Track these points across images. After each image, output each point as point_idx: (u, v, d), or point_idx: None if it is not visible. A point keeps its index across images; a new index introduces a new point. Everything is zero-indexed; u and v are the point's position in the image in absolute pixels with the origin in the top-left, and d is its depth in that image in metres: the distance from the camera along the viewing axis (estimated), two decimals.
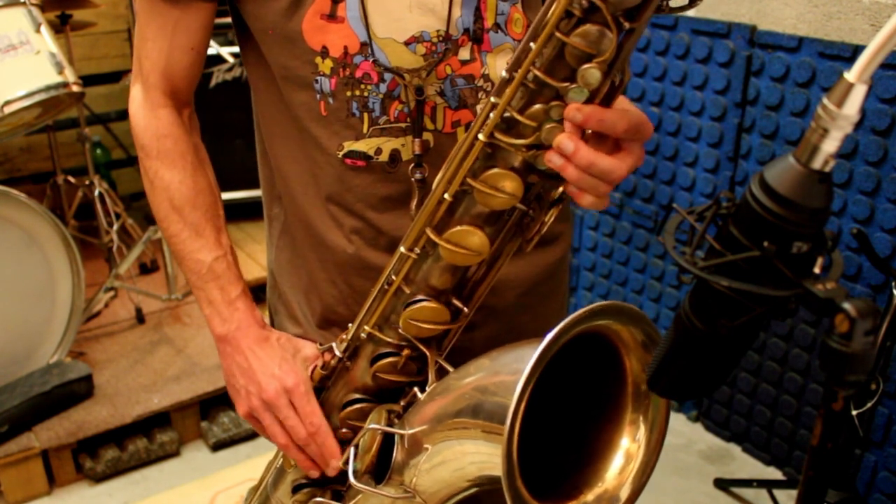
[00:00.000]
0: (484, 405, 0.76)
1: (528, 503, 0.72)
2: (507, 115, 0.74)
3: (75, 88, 2.35)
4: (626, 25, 0.68)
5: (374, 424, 0.87)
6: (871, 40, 0.50)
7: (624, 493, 0.78)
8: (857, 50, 1.89)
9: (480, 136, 0.75)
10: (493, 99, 0.74)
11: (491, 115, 0.75)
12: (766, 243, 0.55)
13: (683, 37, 2.26)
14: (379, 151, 0.92)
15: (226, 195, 1.06)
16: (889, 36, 0.50)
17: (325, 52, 0.89)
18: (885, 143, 1.87)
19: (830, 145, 0.53)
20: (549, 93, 0.72)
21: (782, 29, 2.05)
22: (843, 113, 0.52)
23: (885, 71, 1.82)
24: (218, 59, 2.92)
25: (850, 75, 0.51)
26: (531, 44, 0.71)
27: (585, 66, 0.69)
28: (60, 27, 2.75)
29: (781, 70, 2.05)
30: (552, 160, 0.73)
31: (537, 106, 0.73)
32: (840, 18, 1.93)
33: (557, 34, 0.69)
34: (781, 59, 2.04)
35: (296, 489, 1.04)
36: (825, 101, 0.52)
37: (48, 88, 2.28)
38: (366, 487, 0.88)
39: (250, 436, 2.49)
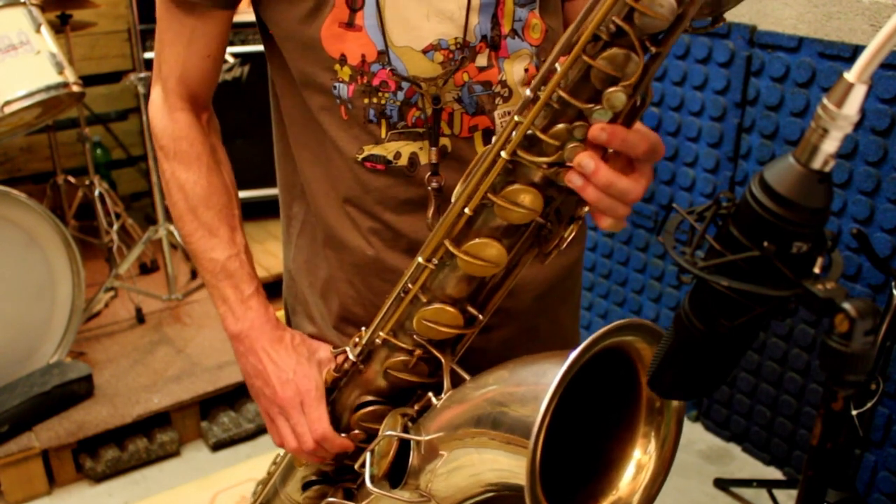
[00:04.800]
0: (505, 418, 0.76)
1: None
2: (529, 132, 0.74)
3: (75, 88, 2.35)
4: (653, 50, 0.68)
5: (391, 431, 0.88)
6: (871, 40, 0.50)
7: (636, 501, 0.79)
8: (857, 50, 1.89)
9: (503, 154, 0.75)
10: (516, 118, 0.75)
11: (514, 133, 0.75)
12: (766, 243, 0.55)
13: (683, 37, 2.26)
14: (398, 156, 0.92)
15: None
16: (889, 36, 0.50)
17: (343, 60, 0.90)
18: (885, 143, 1.87)
19: (830, 145, 0.53)
20: (572, 113, 0.73)
21: (782, 29, 2.05)
22: (843, 113, 0.52)
23: (885, 71, 1.82)
24: None
25: (850, 75, 0.51)
26: (557, 64, 0.71)
27: (611, 89, 0.69)
28: (60, 27, 2.75)
29: (781, 70, 2.05)
30: (573, 180, 0.74)
31: (560, 125, 0.73)
32: (840, 18, 1.93)
33: (584, 57, 0.69)
34: (781, 59, 2.04)
35: (306, 486, 1.05)
36: (825, 101, 0.52)
37: (48, 88, 2.28)
38: (383, 492, 0.89)
39: (250, 436, 2.50)
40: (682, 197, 2.40)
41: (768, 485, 2.16)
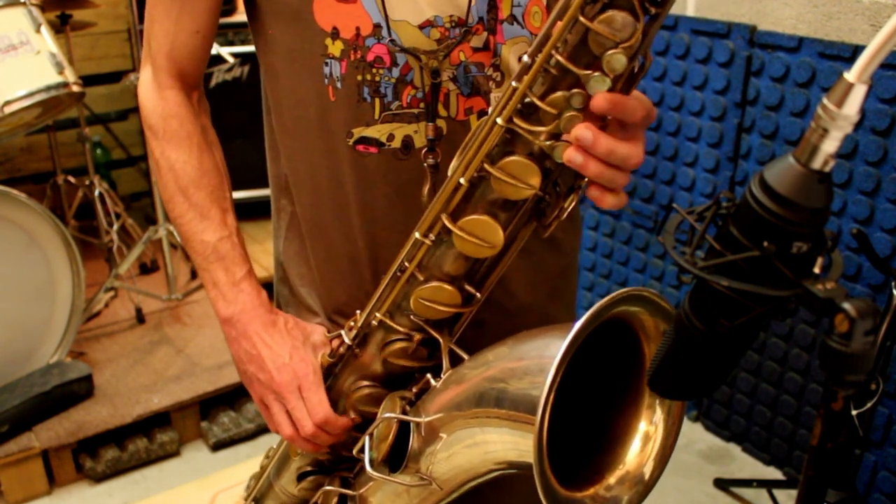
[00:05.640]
0: (507, 394, 0.75)
1: (557, 491, 0.71)
2: (527, 100, 0.73)
3: (75, 88, 2.35)
4: (652, 10, 0.67)
5: (390, 413, 0.86)
6: (871, 40, 0.50)
7: (647, 472, 0.78)
8: (857, 50, 1.89)
9: (499, 121, 0.74)
10: (513, 83, 0.73)
11: (511, 99, 0.73)
12: (765, 243, 0.55)
13: (683, 37, 2.26)
14: (391, 138, 0.91)
15: None
16: (889, 36, 0.50)
17: (335, 34, 0.88)
18: (885, 143, 1.87)
19: (830, 145, 0.53)
20: (570, 80, 0.71)
21: (782, 29, 2.05)
22: (843, 113, 0.52)
23: (885, 71, 1.82)
24: (218, 59, 2.92)
25: (850, 75, 0.51)
26: (554, 30, 0.70)
27: (611, 51, 0.68)
28: (60, 27, 2.75)
29: (781, 70, 2.05)
30: (573, 159, 0.72)
31: (558, 93, 0.72)
32: (840, 18, 1.93)
33: (582, 19, 0.68)
34: (781, 59, 2.04)
35: (301, 477, 1.03)
36: (825, 101, 0.52)
37: (48, 88, 2.28)
38: (383, 476, 0.87)
39: (250, 436, 2.50)
40: (682, 197, 2.40)
41: (768, 485, 2.16)
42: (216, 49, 2.94)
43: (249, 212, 3.15)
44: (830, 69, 1.95)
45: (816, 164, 0.54)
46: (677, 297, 2.51)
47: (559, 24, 0.70)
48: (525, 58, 0.72)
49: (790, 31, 2.03)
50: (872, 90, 1.59)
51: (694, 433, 2.50)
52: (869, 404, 1.71)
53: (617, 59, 0.68)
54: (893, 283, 1.62)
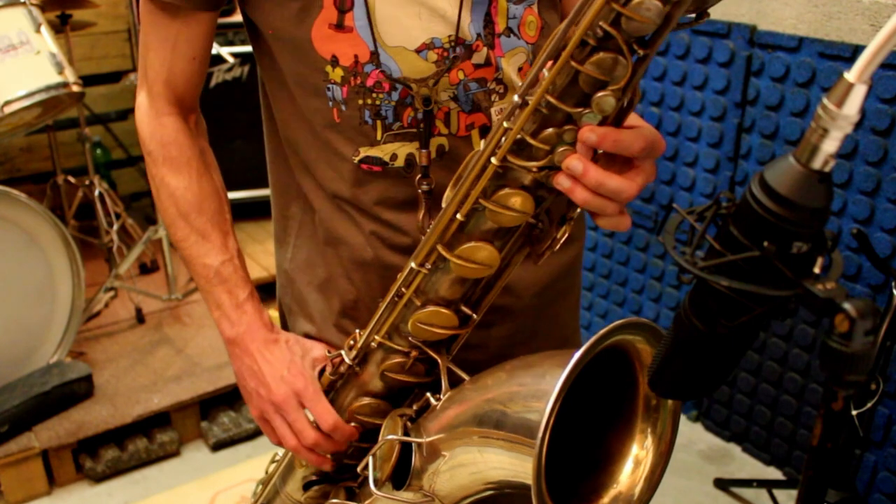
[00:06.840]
0: (507, 419, 0.77)
1: None
2: (519, 137, 0.75)
3: (75, 88, 2.35)
4: (640, 52, 0.68)
5: (392, 434, 0.88)
6: (871, 40, 0.50)
7: (637, 492, 0.80)
8: (857, 50, 1.89)
9: (493, 160, 0.76)
10: (505, 123, 0.75)
11: (504, 139, 0.75)
12: (766, 243, 0.55)
13: (683, 37, 2.26)
14: (394, 157, 0.92)
15: None
16: (889, 36, 0.50)
17: (335, 61, 0.89)
18: (885, 143, 1.87)
19: (830, 145, 0.53)
20: (561, 117, 0.73)
21: (782, 29, 2.05)
22: (843, 113, 0.52)
23: (885, 71, 1.82)
24: (218, 59, 2.92)
25: (850, 75, 0.51)
26: (545, 71, 0.72)
27: (600, 93, 0.70)
28: (60, 27, 2.75)
29: (781, 70, 2.05)
30: (561, 183, 0.74)
31: (550, 130, 0.73)
32: (840, 18, 1.93)
33: (572, 63, 0.69)
34: (781, 59, 2.04)
35: (307, 486, 1.05)
36: (825, 101, 0.52)
37: (48, 88, 2.28)
38: (388, 495, 0.89)
39: (250, 436, 2.50)
40: (682, 197, 2.40)
41: (768, 485, 2.16)
42: (216, 49, 2.94)
43: (249, 212, 3.15)
44: (830, 69, 1.95)
45: (816, 164, 0.54)
46: (677, 297, 2.51)
47: (550, 64, 0.71)
48: (516, 98, 0.74)
49: (790, 31, 2.03)
50: (872, 90, 1.59)
51: (694, 433, 2.50)
52: (869, 404, 1.71)
53: (606, 101, 0.70)
54: (893, 283, 1.62)
